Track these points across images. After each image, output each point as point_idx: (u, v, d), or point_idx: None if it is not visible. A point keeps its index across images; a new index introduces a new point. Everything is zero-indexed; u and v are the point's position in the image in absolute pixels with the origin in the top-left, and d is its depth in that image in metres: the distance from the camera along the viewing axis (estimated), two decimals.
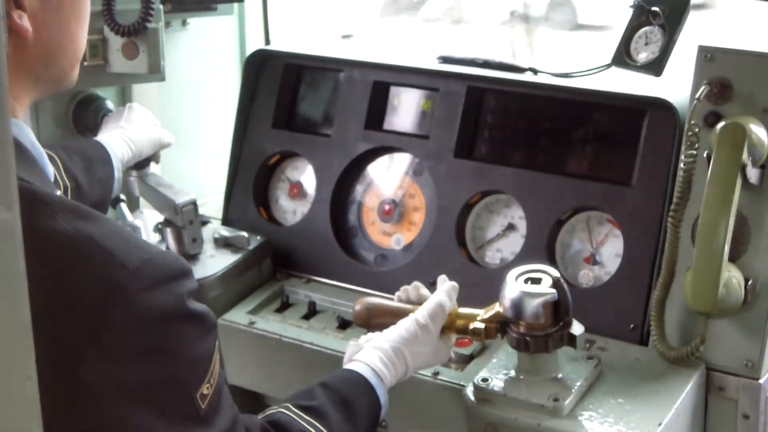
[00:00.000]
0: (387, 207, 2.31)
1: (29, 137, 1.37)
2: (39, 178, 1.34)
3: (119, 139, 2.24)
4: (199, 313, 1.34)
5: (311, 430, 1.53)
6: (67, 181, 2.01)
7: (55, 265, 1.21)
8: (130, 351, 1.25)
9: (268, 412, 1.56)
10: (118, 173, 2.18)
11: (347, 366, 1.71)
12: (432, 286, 1.88)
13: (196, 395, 1.32)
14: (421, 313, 1.78)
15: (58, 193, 1.36)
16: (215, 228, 2.41)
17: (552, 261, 2.10)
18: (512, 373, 1.81)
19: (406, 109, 2.36)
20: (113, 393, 1.25)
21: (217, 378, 1.37)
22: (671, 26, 1.97)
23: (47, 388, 0.95)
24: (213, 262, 2.29)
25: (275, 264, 2.37)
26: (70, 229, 1.24)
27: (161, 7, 2.31)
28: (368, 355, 1.71)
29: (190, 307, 1.32)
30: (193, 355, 1.32)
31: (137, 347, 1.25)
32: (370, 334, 1.79)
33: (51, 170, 1.43)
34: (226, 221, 2.49)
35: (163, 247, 2.29)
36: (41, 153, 1.40)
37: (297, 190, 2.46)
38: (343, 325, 2.17)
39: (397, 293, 1.91)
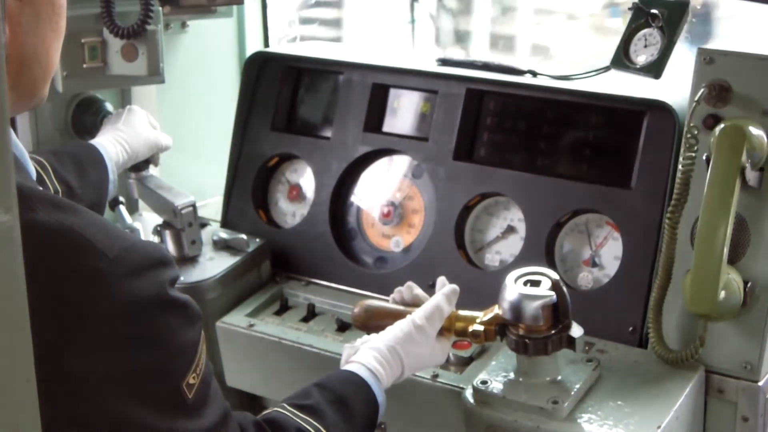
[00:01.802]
0: (386, 209, 2.31)
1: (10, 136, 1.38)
2: (20, 174, 1.34)
3: (114, 141, 2.24)
4: (182, 302, 1.34)
5: (307, 428, 1.54)
6: (57, 185, 2.01)
7: (36, 256, 1.21)
8: (113, 339, 1.26)
9: (264, 413, 1.56)
10: (113, 175, 2.18)
11: (344, 368, 1.71)
12: (431, 288, 1.87)
13: (181, 385, 1.32)
14: (418, 314, 1.78)
15: (40, 189, 1.36)
16: (214, 230, 2.41)
17: (551, 263, 2.10)
18: (511, 375, 1.81)
19: (405, 111, 2.36)
20: (97, 382, 1.26)
21: (204, 369, 1.37)
22: (670, 28, 1.96)
23: None
24: (212, 265, 2.29)
25: (274, 266, 2.37)
26: (50, 220, 1.24)
27: (160, 9, 2.31)
28: (364, 356, 1.71)
29: (172, 295, 1.32)
30: (176, 344, 1.33)
31: (119, 335, 1.26)
32: (365, 336, 1.79)
33: (32, 168, 1.45)
34: (225, 224, 2.49)
35: None
36: (22, 151, 1.41)
37: (296, 193, 2.46)
38: (343, 327, 2.17)
39: (392, 295, 1.91)
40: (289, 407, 1.57)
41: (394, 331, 1.76)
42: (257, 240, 2.36)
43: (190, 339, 1.35)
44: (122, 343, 1.26)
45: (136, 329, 1.27)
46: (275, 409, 1.57)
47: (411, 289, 1.89)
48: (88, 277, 1.24)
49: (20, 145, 1.41)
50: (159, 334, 1.30)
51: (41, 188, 1.37)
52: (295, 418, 1.54)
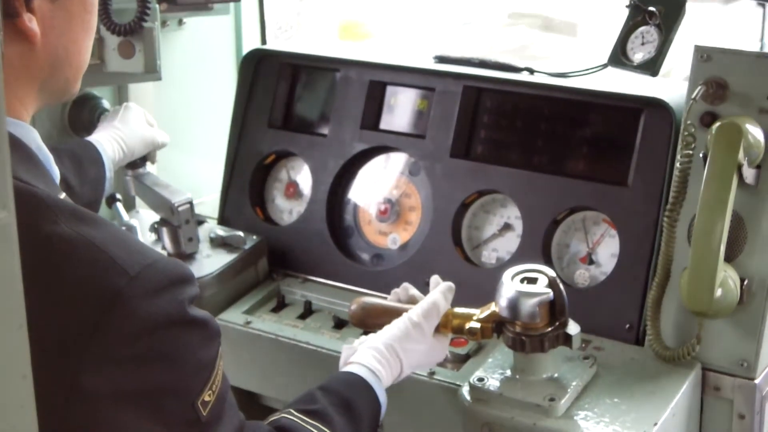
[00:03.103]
0: (383, 207, 2.31)
1: (35, 140, 1.37)
2: (44, 181, 1.34)
3: (111, 138, 2.24)
4: (201, 320, 1.33)
5: None
6: None
7: (56, 269, 1.21)
8: (129, 357, 1.25)
9: (271, 419, 1.56)
10: (109, 173, 2.18)
11: (344, 369, 1.72)
12: (427, 286, 1.88)
13: (196, 402, 1.31)
14: (414, 312, 1.78)
15: (63, 195, 1.36)
16: (211, 227, 2.41)
17: (548, 261, 2.10)
18: (508, 372, 1.81)
19: (402, 108, 2.36)
20: (112, 399, 1.25)
21: (220, 385, 1.36)
22: (667, 26, 1.97)
23: (46, 393, 0.95)
24: (209, 262, 2.29)
25: (271, 264, 2.37)
26: (72, 233, 1.24)
27: (157, 6, 2.31)
28: (363, 356, 1.71)
29: (191, 313, 1.31)
30: (193, 362, 1.32)
31: (136, 353, 1.25)
32: (363, 337, 1.79)
33: (57, 172, 1.43)
34: (223, 221, 2.49)
35: (159, 247, 2.29)
36: (47, 156, 1.40)
37: (293, 190, 2.46)
38: (339, 324, 2.17)
39: (389, 297, 1.91)
40: (296, 413, 1.56)
41: (392, 329, 1.76)
42: (254, 237, 2.36)
43: (208, 357, 1.34)
44: (139, 361, 1.26)
45: (153, 347, 1.27)
46: (283, 415, 1.56)
47: (407, 290, 1.90)
48: (107, 295, 1.23)
49: (45, 149, 1.39)
50: (176, 352, 1.30)
51: (63, 195, 1.36)
52: (304, 424, 1.54)
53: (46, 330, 0.94)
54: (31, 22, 1.30)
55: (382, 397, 1.68)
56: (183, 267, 1.34)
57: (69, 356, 1.21)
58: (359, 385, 1.67)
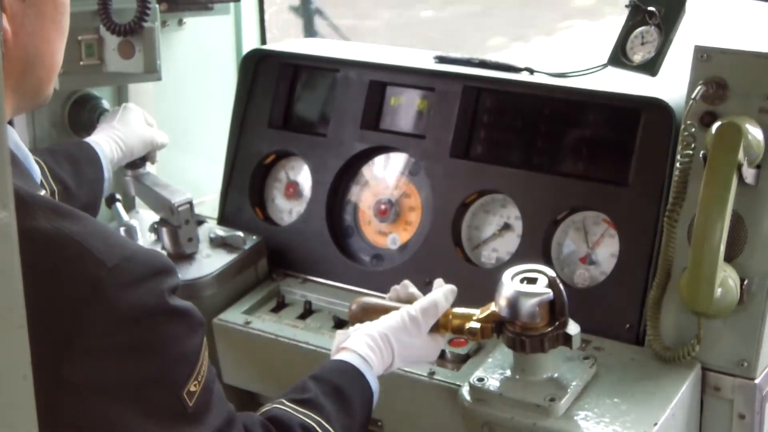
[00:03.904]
0: (383, 207, 2.31)
1: (13, 138, 1.38)
2: (23, 178, 1.34)
3: (109, 139, 2.24)
4: (182, 310, 1.33)
5: (310, 422, 1.53)
6: (54, 185, 2.01)
7: (35, 264, 1.21)
8: (112, 348, 1.25)
9: (263, 410, 1.56)
10: (107, 173, 2.18)
11: (336, 355, 1.72)
12: (427, 286, 1.87)
13: (182, 393, 1.31)
14: (413, 307, 1.78)
15: (42, 193, 1.36)
16: (211, 228, 2.41)
17: (548, 261, 2.10)
18: (508, 372, 1.81)
19: (402, 108, 2.36)
20: (96, 391, 1.25)
21: (206, 375, 1.36)
22: (667, 26, 1.97)
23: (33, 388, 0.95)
24: (209, 262, 2.29)
25: (271, 264, 2.37)
26: (49, 228, 1.24)
27: (157, 6, 2.31)
28: (355, 342, 1.71)
29: (172, 303, 1.31)
30: (177, 352, 1.32)
31: (119, 345, 1.26)
32: (358, 324, 1.79)
33: (37, 170, 1.44)
34: (222, 221, 2.49)
35: (158, 247, 2.30)
36: (26, 154, 1.41)
37: (293, 190, 2.46)
38: (339, 324, 2.16)
39: (388, 294, 1.91)
40: (288, 402, 1.56)
41: (388, 320, 1.76)
42: (254, 237, 2.36)
43: (191, 347, 1.34)
44: (121, 352, 1.26)
45: (135, 338, 1.27)
46: (274, 405, 1.56)
47: (406, 287, 1.90)
48: (85, 286, 1.23)
49: (24, 147, 1.41)
50: (159, 343, 1.30)
51: (43, 192, 1.37)
52: (296, 413, 1.54)
53: (29, 325, 0.95)
54: (1, 19, 1.30)
55: (374, 385, 1.68)
56: (162, 258, 1.35)
57: (52, 350, 1.21)
58: (351, 372, 1.67)
